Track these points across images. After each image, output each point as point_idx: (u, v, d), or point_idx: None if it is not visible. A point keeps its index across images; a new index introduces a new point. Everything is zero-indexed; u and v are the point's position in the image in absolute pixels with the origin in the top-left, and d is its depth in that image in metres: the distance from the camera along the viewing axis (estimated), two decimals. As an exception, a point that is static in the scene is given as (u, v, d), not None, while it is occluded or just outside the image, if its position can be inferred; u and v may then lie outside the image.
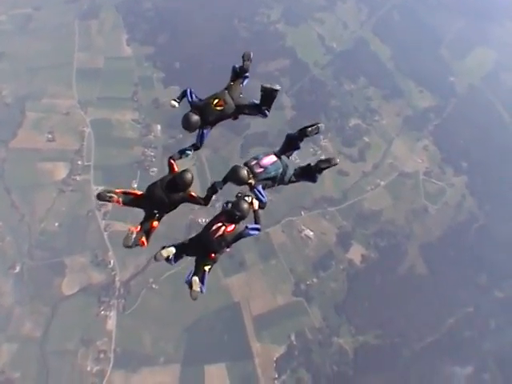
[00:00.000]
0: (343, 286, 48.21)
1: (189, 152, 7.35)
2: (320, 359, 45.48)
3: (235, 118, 7.40)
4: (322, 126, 7.22)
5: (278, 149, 7.43)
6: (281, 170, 6.97)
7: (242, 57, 7.40)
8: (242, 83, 7.48)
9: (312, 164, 7.25)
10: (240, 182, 6.57)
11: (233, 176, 6.58)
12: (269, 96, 7.11)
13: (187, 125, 6.92)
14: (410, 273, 49.31)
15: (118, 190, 6.74)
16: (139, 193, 6.84)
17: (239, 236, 6.33)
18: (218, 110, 7.02)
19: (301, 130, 7.26)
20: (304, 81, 57.55)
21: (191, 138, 7.40)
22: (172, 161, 7.09)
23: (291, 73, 57.00)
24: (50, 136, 52.94)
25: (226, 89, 7.30)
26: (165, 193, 6.58)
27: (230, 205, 6.54)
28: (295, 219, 50.22)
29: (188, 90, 7.29)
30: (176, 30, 59.88)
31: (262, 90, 7.07)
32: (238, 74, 7.51)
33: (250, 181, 6.65)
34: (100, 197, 6.56)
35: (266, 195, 6.75)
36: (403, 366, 45.71)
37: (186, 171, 6.61)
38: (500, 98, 61.93)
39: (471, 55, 65.03)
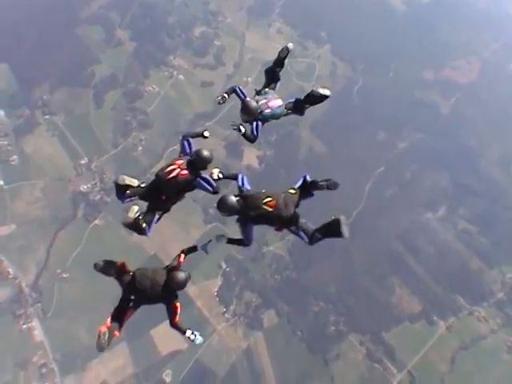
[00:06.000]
0: (251, 194, 45.91)
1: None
2: (259, 275, 43.84)
3: (279, 229, 6.32)
4: (290, 45, 7.08)
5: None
6: (283, 113, 6.92)
7: (328, 181, 6.12)
8: (304, 198, 6.27)
9: (302, 97, 7.00)
10: (251, 113, 6.54)
11: (244, 109, 6.54)
12: (333, 231, 5.97)
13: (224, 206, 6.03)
14: (311, 155, 48.12)
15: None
16: (124, 266, 6.22)
17: (190, 182, 6.14)
18: (265, 211, 5.96)
19: (274, 62, 7.17)
20: (133, 8, 53.75)
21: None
22: (183, 254, 6.55)
23: (117, 5, 53.20)
24: None
25: (284, 192, 6.24)
26: (152, 286, 5.85)
27: None
28: (177, 147, 46.56)
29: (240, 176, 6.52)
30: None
31: (334, 220, 5.98)
32: (305, 187, 6.28)
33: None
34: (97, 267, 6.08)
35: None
36: (342, 244, 44.05)
37: (183, 272, 6.04)
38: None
39: None
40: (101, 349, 5.62)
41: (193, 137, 6.75)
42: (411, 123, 50.11)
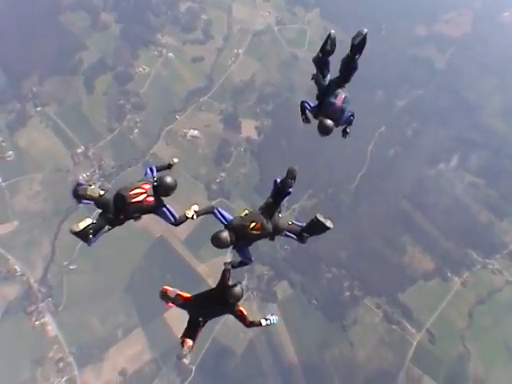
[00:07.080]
0: (253, 166, 45.60)
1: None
2: (269, 246, 42.72)
3: (272, 239, 6.42)
4: (332, 32, 6.50)
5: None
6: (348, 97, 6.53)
7: (286, 173, 6.11)
8: (283, 200, 6.31)
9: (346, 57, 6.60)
10: (329, 130, 6.47)
11: (321, 128, 6.50)
12: (317, 229, 6.10)
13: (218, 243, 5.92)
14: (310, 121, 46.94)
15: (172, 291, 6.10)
16: (186, 295, 6.16)
17: (154, 210, 6.00)
18: (255, 234, 6.06)
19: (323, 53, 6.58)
20: (117, -9, 52.71)
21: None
22: (228, 271, 6.25)
23: (100, -11, 51.96)
24: None
25: (262, 208, 6.25)
26: (213, 304, 6.06)
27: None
28: (173, 126, 46.53)
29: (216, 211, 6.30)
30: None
31: (313, 220, 6.10)
32: (279, 191, 6.21)
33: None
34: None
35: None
36: (349, 208, 44.49)
37: (236, 286, 5.99)
38: None
39: None
40: (180, 358, 5.84)
41: (159, 170, 6.44)
42: (408, 81, 49.37)
